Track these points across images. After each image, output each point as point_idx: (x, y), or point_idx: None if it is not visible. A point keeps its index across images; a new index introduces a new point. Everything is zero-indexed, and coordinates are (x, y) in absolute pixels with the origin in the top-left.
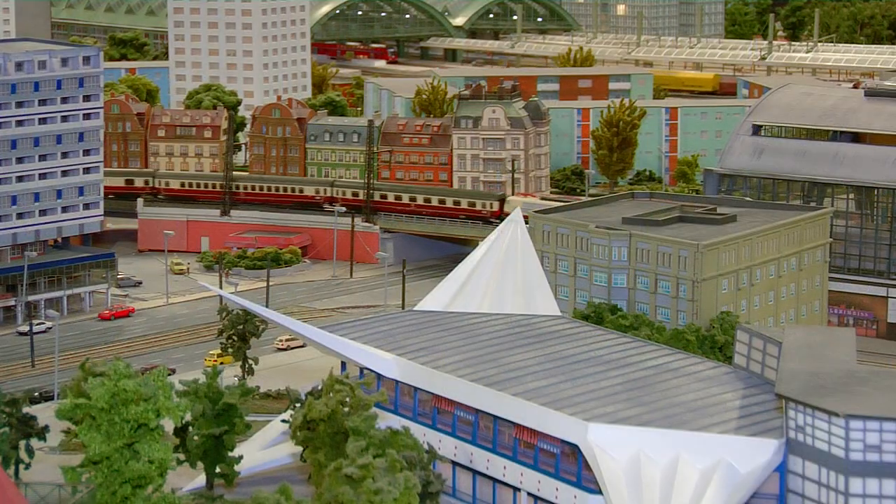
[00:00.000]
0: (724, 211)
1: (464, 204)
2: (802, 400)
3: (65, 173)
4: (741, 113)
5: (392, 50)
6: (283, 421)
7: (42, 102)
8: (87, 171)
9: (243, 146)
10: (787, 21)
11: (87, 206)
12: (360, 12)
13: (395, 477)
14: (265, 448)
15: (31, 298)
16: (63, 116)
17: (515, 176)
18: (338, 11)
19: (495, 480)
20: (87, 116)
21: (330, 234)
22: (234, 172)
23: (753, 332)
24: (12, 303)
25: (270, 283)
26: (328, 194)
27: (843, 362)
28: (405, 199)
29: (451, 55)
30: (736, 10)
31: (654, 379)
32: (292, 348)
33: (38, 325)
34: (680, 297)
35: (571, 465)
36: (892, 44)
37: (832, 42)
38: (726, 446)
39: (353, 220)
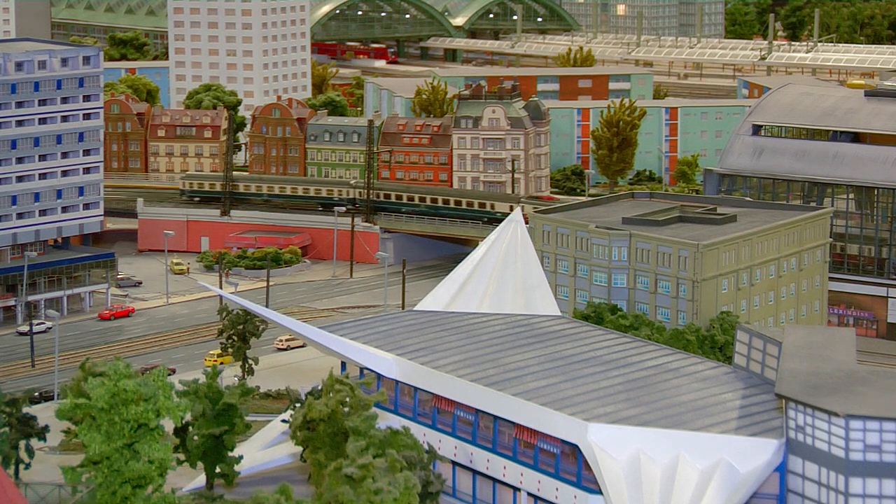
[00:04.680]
0: (724, 211)
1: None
2: (802, 400)
3: (65, 173)
4: (741, 113)
5: (392, 50)
6: (283, 421)
7: (42, 102)
8: (87, 171)
9: (243, 146)
10: (787, 21)
11: (87, 206)
12: (360, 12)
13: (395, 477)
14: (265, 448)
15: (31, 298)
16: (63, 116)
17: (515, 176)
18: (338, 11)
19: (495, 480)
20: (87, 116)
21: (330, 234)
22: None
23: (753, 332)
24: (12, 303)
25: (270, 283)
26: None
27: (843, 362)
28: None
29: (451, 55)
30: (736, 10)
31: (654, 379)
32: (292, 348)
33: (38, 325)
34: (680, 297)
35: (571, 465)
36: (892, 44)
37: (832, 42)
38: (726, 446)
39: (353, 220)
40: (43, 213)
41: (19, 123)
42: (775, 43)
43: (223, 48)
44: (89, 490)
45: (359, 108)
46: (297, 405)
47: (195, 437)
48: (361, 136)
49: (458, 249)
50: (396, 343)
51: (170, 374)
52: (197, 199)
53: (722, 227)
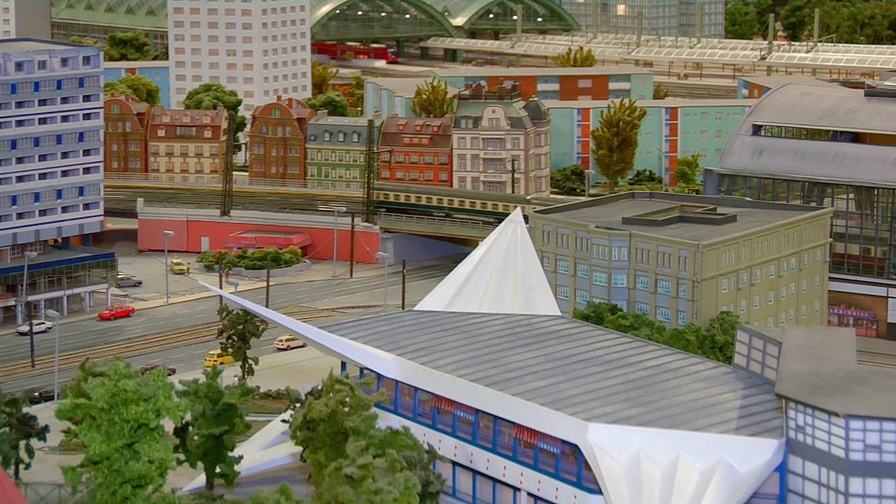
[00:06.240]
0: (724, 211)
1: None
2: (802, 400)
3: (65, 173)
4: (741, 113)
5: (392, 50)
6: (283, 421)
7: (42, 102)
8: (87, 171)
9: (243, 146)
10: (787, 21)
11: (87, 206)
12: (360, 12)
13: (395, 477)
14: (265, 448)
15: (31, 298)
16: (63, 116)
17: (515, 176)
18: (338, 11)
19: (495, 480)
20: (87, 116)
21: (330, 234)
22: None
23: (753, 332)
24: (12, 303)
25: (270, 283)
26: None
27: (843, 362)
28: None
29: (451, 55)
30: (736, 10)
31: (654, 379)
32: (292, 348)
33: (38, 325)
34: (680, 297)
35: (571, 465)
36: (892, 44)
37: (832, 42)
38: (726, 446)
39: (353, 220)
40: (43, 213)
41: (19, 123)
42: (775, 43)
43: (223, 48)
44: (89, 490)
45: (359, 108)
46: (297, 405)
47: (195, 437)
48: (361, 136)
49: (458, 249)
50: (396, 343)
51: (170, 374)
52: (383, 210)
53: (722, 227)
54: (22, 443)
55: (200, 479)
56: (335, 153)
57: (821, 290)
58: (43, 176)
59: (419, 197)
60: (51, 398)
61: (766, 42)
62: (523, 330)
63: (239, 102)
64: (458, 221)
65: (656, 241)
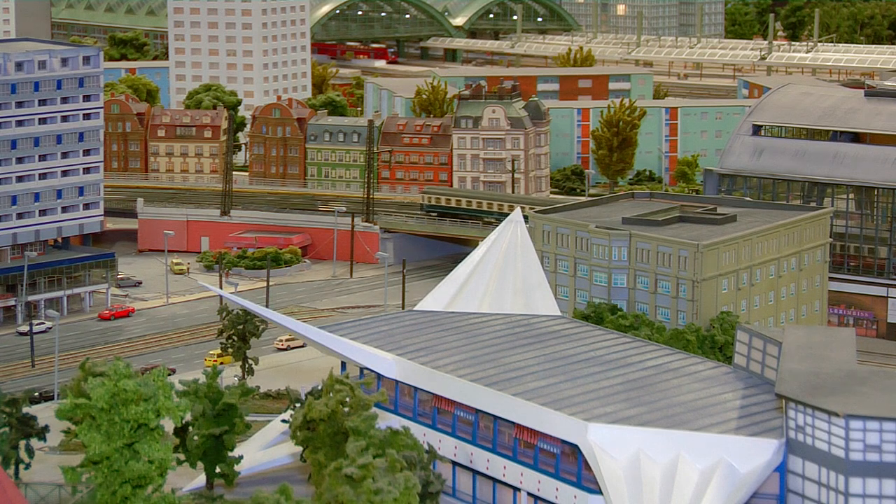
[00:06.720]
0: (724, 211)
1: None
2: (802, 400)
3: (65, 173)
4: (741, 113)
5: (392, 50)
6: (283, 421)
7: (42, 102)
8: (87, 171)
9: (243, 146)
10: (787, 21)
11: (87, 206)
12: (360, 12)
13: (395, 477)
14: (265, 448)
15: (31, 298)
16: (63, 116)
17: (515, 176)
18: (338, 11)
19: (495, 480)
20: (87, 116)
21: (330, 234)
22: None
23: (753, 332)
24: (12, 303)
25: (270, 283)
26: None
27: (843, 362)
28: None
29: (451, 55)
30: (736, 10)
31: (654, 379)
32: (292, 348)
33: (38, 325)
34: (680, 297)
35: (571, 465)
36: (892, 44)
37: (832, 42)
38: (726, 446)
39: (353, 220)
40: (43, 213)
41: (19, 123)
42: (775, 43)
43: (223, 48)
44: (89, 490)
45: (359, 108)
46: (297, 405)
47: (195, 437)
48: (361, 136)
49: (458, 249)
50: (396, 343)
51: (170, 374)
52: (434, 214)
53: (722, 227)
54: (22, 443)
55: (200, 479)
56: (335, 153)
57: (821, 290)
58: (43, 176)
59: (469, 201)
60: (51, 398)
61: (766, 42)
62: (523, 330)
63: (239, 102)
64: (459, 221)
65: (656, 241)
